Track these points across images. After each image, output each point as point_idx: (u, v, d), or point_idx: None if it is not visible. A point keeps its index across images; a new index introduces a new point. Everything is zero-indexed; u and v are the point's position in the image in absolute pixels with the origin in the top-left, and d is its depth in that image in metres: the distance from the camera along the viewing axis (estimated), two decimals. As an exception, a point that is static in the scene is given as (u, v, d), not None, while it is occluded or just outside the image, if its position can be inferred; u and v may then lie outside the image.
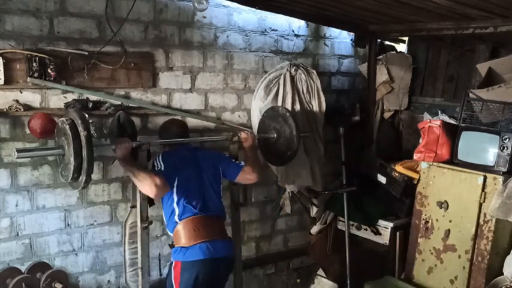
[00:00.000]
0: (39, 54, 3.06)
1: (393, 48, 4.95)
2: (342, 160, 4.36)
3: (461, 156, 3.61)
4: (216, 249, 3.02)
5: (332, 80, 4.67)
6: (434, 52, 4.67)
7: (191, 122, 3.73)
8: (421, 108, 4.68)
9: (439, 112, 4.37)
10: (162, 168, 3.00)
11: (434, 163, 3.75)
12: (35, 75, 3.07)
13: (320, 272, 4.59)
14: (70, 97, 3.25)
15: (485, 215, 3.45)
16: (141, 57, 3.50)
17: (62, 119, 2.76)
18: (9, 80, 3.03)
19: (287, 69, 4.01)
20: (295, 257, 4.62)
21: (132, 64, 3.45)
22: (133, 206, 3.26)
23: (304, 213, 4.55)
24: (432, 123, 3.78)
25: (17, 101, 3.07)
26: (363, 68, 4.71)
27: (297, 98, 4.00)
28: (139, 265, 3.18)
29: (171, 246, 3.16)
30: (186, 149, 3.29)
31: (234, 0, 3.77)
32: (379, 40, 4.73)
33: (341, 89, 4.74)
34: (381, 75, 4.64)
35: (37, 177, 3.26)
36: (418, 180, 3.89)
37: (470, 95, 3.79)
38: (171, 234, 3.14)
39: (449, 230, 3.64)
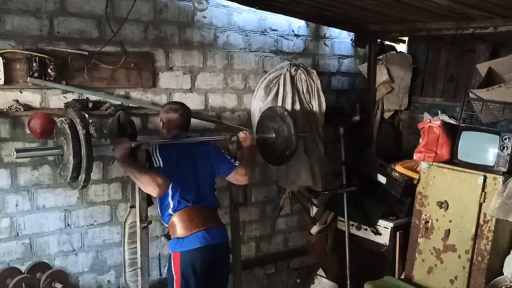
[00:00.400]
0: (39, 54, 3.06)
1: (393, 48, 4.95)
2: (342, 160, 4.36)
3: (461, 156, 3.61)
4: (212, 236, 3.09)
5: (332, 80, 4.67)
6: (434, 52, 4.67)
7: (191, 122, 3.72)
8: (421, 108, 4.68)
9: (439, 112, 4.37)
10: (161, 165, 2.98)
11: (434, 163, 3.75)
12: (35, 75, 3.07)
13: (320, 272, 4.60)
14: (70, 97, 3.25)
15: (485, 215, 3.45)
16: (141, 57, 3.50)
17: (61, 118, 2.76)
18: (9, 80, 3.04)
19: (287, 69, 4.01)
20: (295, 257, 4.62)
21: (132, 64, 3.45)
22: (133, 206, 3.26)
23: (304, 213, 4.55)
24: (432, 123, 3.77)
25: (17, 101, 3.08)
26: (363, 68, 4.71)
27: (297, 98, 4.01)
28: (139, 265, 3.18)
29: (168, 237, 3.19)
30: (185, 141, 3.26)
31: (234, 0, 3.78)
32: (379, 40, 4.73)
33: (341, 89, 4.74)
34: (381, 75, 4.64)
35: (37, 177, 3.26)
36: (418, 180, 3.89)
37: (470, 95, 3.79)
38: (166, 225, 3.17)
39: (449, 230, 3.64)
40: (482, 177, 3.46)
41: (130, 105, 3.46)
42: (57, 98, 3.24)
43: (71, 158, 2.64)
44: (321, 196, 4.42)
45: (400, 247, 4.07)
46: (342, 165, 4.37)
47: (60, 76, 3.16)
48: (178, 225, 3.06)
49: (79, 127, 2.65)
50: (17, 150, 2.69)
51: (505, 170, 3.38)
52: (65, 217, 3.39)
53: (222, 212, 3.44)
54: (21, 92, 3.12)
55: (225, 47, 3.92)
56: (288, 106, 3.91)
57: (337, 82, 4.71)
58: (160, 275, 3.78)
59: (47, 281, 3.15)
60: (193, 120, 3.73)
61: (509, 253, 3.47)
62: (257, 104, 3.98)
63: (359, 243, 4.30)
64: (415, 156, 3.85)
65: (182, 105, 3.29)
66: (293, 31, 4.28)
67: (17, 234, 3.24)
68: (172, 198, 3.06)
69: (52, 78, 3.12)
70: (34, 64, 3.06)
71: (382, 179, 4.15)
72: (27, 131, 3.10)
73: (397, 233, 4.08)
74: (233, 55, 3.98)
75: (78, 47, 3.25)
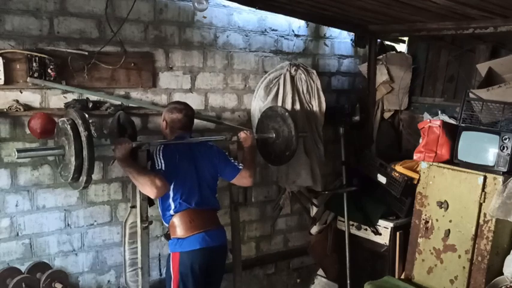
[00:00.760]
0: (39, 54, 3.06)
1: (393, 48, 4.95)
2: (342, 160, 4.36)
3: (461, 156, 3.61)
4: (212, 238, 3.11)
5: (332, 80, 4.67)
6: (434, 52, 4.67)
7: (191, 122, 3.73)
8: (421, 108, 4.68)
9: (439, 112, 4.37)
10: (163, 168, 2.98)
11: (434, 163, 3.75)
12: (35, 75, 3.07)
13: (320, 272, 4.60)
14: (70, 97, 3.25)
15: (485, 215, 3.45)
16: (141, 57, 3.50)
17: (63, 119, 2.76)
18: (9, 80, 3.03)
19: (287, 69, 4.01)
20: (295, 257, 4.62)
21: (132, 64, 3.45)
22: (133, 206, 3.26)
23: (304, 213, 4.55)
24: (432, 123, 3.77)
25: (17, 101, 3.07)
26: (363, 68, 4.71)
27: (297, 98, 4.01)
28: (139, 265, 3.19)
29: (167, 236, 3.18)
30: (186, 143, 3.25)
31: (234, 0, 3.77)
32: (379, 40, 4.73)
33: (341, 89, 4.74)
34: (381, 75, 4.64)
35: (37, 177, 3.26)
36: (418, 180, 3.89)
37: (470, 95, 3.78)
38: (166, 225, 3.18)
39: (449, 230, 3.64)
40: (482, 177, 3.46)
41: (131, 105, 3.46)
42: (57, 98, 3.24)
43: (73, 159, 2.64)
44: (321, 196, 4.42)
45: (400, 247, 4.07)
46: (342, 165, 4.37)
47: (60, 76, 3.16)
48: (179, 226, 3.07)
49: (81, 128, 2.65)
50: (18, 150, 2.69)
51: (505, 170, 3.38)
52: (65, 217, 3.39)
53: (222, 212, 3.45)
54: (21, 92, 3.12)
55: (225, 47, 3.92)
56: (288, 106, 3.91)
57: (337, 82, 4.71)
58: (161, 275, 3.78)
59: (47, 281, 3.15)
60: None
61: (509, 253, 3.47)
62: (257, 104, 3.98)
63: (359, 243, 4.30)
64: (415, 156, 3.86)
65: (186, 105, 3.28)
66: (293, 31, 4.28)
67: (17, 234, 3.24)
68: (174, 199, 3.06)
69: (52, 78, 3.12)
70: (34, 64, 3.06)
71: (382, 179, 4.14)
72: (27, 131, 3.10)
73: (397, 233, 4.08)
74: (233, 55, 3.98)
75: (78, 47, 3.25)
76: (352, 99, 4.71)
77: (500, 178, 3.39)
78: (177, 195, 3.06)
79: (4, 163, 3.14)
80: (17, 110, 3.06)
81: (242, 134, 3.41)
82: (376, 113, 4.74)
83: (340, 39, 4.66)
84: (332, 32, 4.56)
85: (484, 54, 4.23)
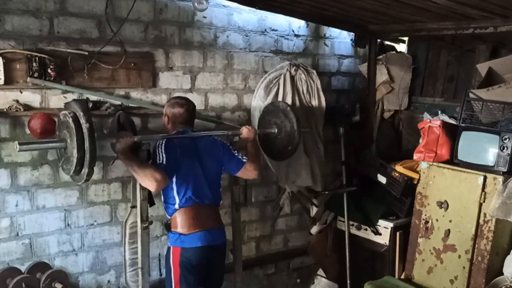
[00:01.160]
0: (39, 54, 3.06)
1: (393, 48, 4.95)
2: (342, 160, 4.36)
3: (461, 156, 3.61)
4: (213, 236, 3.14)
5: (332, 80, 4.67)
6: (434, 52, 4.67)
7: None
8: (421, 108, 4.68)
9: (439, 112, 4.37)
10: (164, 162, 2.96)
11: (434, 163, 3.75)
12: (35, 75, 3.07)
13: (320, 272, 4.60)
14: (70, 97, 3.25)
15: (485, 215, 3.45)
16: (141, 57, 3.50)
17: (64, 112, 2.74)
18: (9, 80, 3.03)
19: (287, 69, 4.01)
20: (295, 257, 4.62)
21: (132, 64, 3.45)
22: (134, 206, 3.26)
23: (304, 213, 4.55)
24: (432, 123, 3.78)
25: (17, 101, 3.07)
26: (363, 68, 4.71)
27: (297, 98, 4.01)
28: (140, 265, 3.19)
29: (167, 227, 3.19)
30: (189, 136, 3.24)
31: (234, 0, 3.77)
32: (379, 40, 4.73)
33: (341, 89, 4.74)
34: (381, 75, 4.64)
35: (37, 177, 3.26)
36: (418, 180, 3.89)
37: (470, 95, 3.79)
38: (168, 217, 3.18)
39: (449, 230, 3.64)
40: (482, 177, 3.46)
41: (131, 105, 3.46)
42: (57, 98, 3.24)
43: (75, 151, 2.62)
44: (321, 196, 4.41)
45: (400, 247, 4.07)
46: (342, 165, 4.37)
47: (60, 76, 3.16)
48: (181, 222, 3.09)
49: (82, 120, 2.63)
50: (20, 143, 2.66)
51: (505, 170, 3.38)
52: (65, 217, 3.39)
53: (222, 212, 3.45)
54: (21, 92, 3.12)
55: (225, 47, 3.92)
56: (288, 106, 3.90)
57: (337, 82, 4.71)
58: (161, 275, 3.78)
59: (47, 281, 3.15)
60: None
61: (509, 253, 3.47)
62: (257, 104, 3.98)
63: (359, 243, 4.30)
64: (415, 156, 3.86)
65: (188, 100, 3.28)
66: (293, 31, 4.28)
67: (17, 234, 3.24)
68: (178, 193, 3.07)
69: (52, 78, 3.12)
70: (34, 64, 3.05)
71: (382, 179, 4.14)
72: (27, 131, 3.10)
73: (397, 233, 4.08)
74: (233, 55, 3.98)
75: (78, 47, 3.24)
76: (352, 99, 4.71)
77: (500, 178, 3.39)
78: (181, 189, 3.06)
79: (4, 163, 3.14)
80: (17, 110, 3.05)
81: (244, 129, 3.39)
82: (376, 113, 4.74)
83: (340, 39, 4.66)
84: (332, 32, 4.56)
85: (484, 54, 4.23)
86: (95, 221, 3.51)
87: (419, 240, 3.84)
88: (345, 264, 4.27)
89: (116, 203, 3.57)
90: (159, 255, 3.78)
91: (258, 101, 3.98)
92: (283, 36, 4.23)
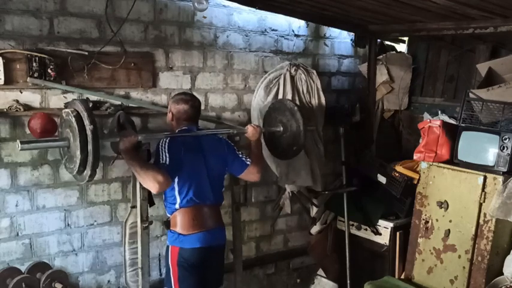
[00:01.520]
0: (39, 54, 3.06)
1: (393, 48, 4.95)
2: (342, 160, 4.36)
3: (461, 156, 3.61)
4: (213, 237, 3.12)
5: (332, 80, 4.67)
6: (434, 52, 4.67)
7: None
8: (421, 108, 4.68)
9: (439, 112, 4.37)
10: (167, 162, 2.92)
11: (434, 163, 3.75)
12: (35, 75, 3.07)
13: (320, 272, 4.59)
14: (70, 97, 3.25)
15: (485, 215, 3.45)
16: (141, 57, 3.50)
17: (67, 110, 2.68)
18: (9, 80, 3.03)
19: (287, 69, 4.01)
20: (295, 257, 4.62)
21: (132, 64, 3.45)
22: (134, 206, 3.26)
23: (304, 213, 4.55)
24: (432, 123, 3.77)
25: (17, 101, 3.08)
26: (363, 68, 4.71)
27: (297, 98, 4.01)
28: (140, 265, 3.18)
29: (167, 224, 3.14)
30: (193, 135, 3.18)
31: (234, 0, 3.78)
32: (379, 40, 4.73)
33: (341, 89, 4.74)
34: (381, 75, 4.64)
35: (37, 177, 3.26)
36: (418, 180, 3.89)
37: (470, 95, 3.79)
38: (168, 216, 3.15)
39: (449, 230, 3.64)
40: (482, 177, 3.46)
41: (131, 105, 3.46)
42: (57, 98, 3.24)
43: (78, 153, 2.59)
44: (321, 196, 4.41)
45: (400, 247, 4.07)
46: (342, 165, 4.37)
47: (60, 76, 3.16)
48: (182, 222, 3.05)
49: (86, 121, 2.58)
50: (22, 142, 2.59)
51: (505, 170, 3.38)
52: (65, 217, 3.39)
53: (222, 212, 3.42)
54: (21, 92, 3.12)
55: (225, 47, 3.92)
56: (288, 106, 3.90)
57: (337, 82, 4.71)
58: (161, 275, 3.78)
59: (47, 281, 3.15)
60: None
61: (509, 253, 3.47)
62: (257, 104, 3.98)
63: (359, 243, 4.30)
64: (415, 156, 3.86)
65: (193, 96, 3.23)
66: (293, 31, 4.28)
67: (17, 234, 3.24)
68: (180, 193, 3.03)
69: (52, 78, 3.12)
70: (34, 64, 3.05)
71: (382, 179, 4.15)
72: (27, 131, 3.10)
73: (397, 233, 4.07)
74: (233, 55, 3.98)
75: (78, 47, 3.25)
76: (352, 99, 4.71)
77: (500, 178, 3.39)
78: (183, 189, 3.02)
79: (4, 163, 3.14)
80: (17, 110, 3.05)
81: (250, 128, 3.33)
82: (376, 113, 4.74)
83: (340, 39, 4.66)
84: (332, 32, 4.56)
85: (484, 54, 4.23)
86: (95, 221, 3.51)
87: (419, 240, 3.84)
88: (345, 264, 4.27)
89: (116, 203, 3.57)
90: (159, 255, 3.78)
91: (258, 101, 3.98)
92: (283, 36, 4.23)
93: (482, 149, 3.51)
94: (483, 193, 3.45)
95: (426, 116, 4.44)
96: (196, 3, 3.43)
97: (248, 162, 3.24)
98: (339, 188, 4.43)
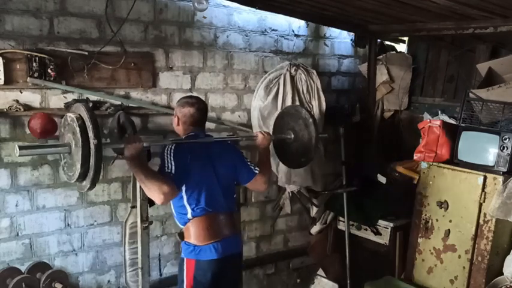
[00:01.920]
0: (39, 54, 3.06)
1: (393, 48, 4.95)
2: (342, 160, 4.36)
3: (461, 156, 3.61)
4: (228, 245, 2.95)
5: (332, 80, 4.67)
6: (434, 52, 4.67)
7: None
8: (421, 108, 4.69)
9: (439, 112, 4.37)
10: (173, 171, 2.74)
11: (434, 163, 3.75)
12: (35, 75, 3.07)
13: (320, 272, 4.60)
14: (70, 97, 3.25)
15: (485, 215, 3.45)
16: (141, 57, 3.50)
17: (71, 115, 2.50)
18: (9, 80, 3.03)
19: (287, 69, 4.01)
20: (295, 257, 4.62)
21: (132, 64, 3.45)
22: (134, 206, 3.26)
23: (304, 213, 4.55)
24: (432, 123, 3.78)
25: (17, 101, 3.07)
26: (363, 68, 4.71)
27: (297, 98, 4.01)
28: (140, 265, 3.19)
29: (181, 236, 2.99)
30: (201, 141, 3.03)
31: (234, 0, 3.77)
32: (379, 40, 4.73)
33: (341, 89, 4.74)
34: (381, 75, 4.64)
35: (37, 177, 3.26)
36: (418, 180, 3.89)
37: (470, 95, 3.79)
38: (181, 226, 2.99)
39: (449, 230, 3.65)
40: (482, 177, 3.46)
41: (131, 105, 3.46)
42: (57, 98, 3.24)
43: (79, 165, 2.45)
44: (321, 196, 4.42)
45: (400, 247, 4.07)
46: (342, 165, 4.37)
47: (60, 76, 3.15)
48: (195, 233, 2.90)
49: (91, 134, 2.41)
50: (21, 147, 2.44)
51: (505, 170, 3.38)
52: (65, 217, 3.39)
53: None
54: (21, 92, 3.12)
55: (225, 47, 3.92)
56: (288, 106, 3.89)
57: (337, 82, 4.71)
58: (161, 275, 3.78)
59: (47, 281, 3.15)
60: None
61: (509, 253, 3.47)
62: (257, 104, 3.98)
63: (359, 243, 4.30)
64: (415, 156, 3.86)
65: (199, 99, 3.06)
66: (293, 31, 4.28)
67: (17, 234, 3.24)
68: (189, 203, 2.87)
69: (52, 78, 3.12)
70: (34, 64, 3.05)
71: (382, 179, 4.15)
72: (27, 131, 3.10)
73: (397, 233, 4.08)
74: (233, 55, 3.98)
75: (78, 47, 3.24)
76: (352, 99, 4.71)
77: (500, 178, 3.39)
78: (193, 198, 2.86)
79: (4, 163, 3.14)
80: (17, 110, 3.05)
81: (260, 135, 3.16)
82: (376, 113, 4.74)
83: (340, 39, 4.66)
84: (332, 32, 4.56)
85: (484, 54, 4.23)
86: (95, 221, 3.51)
87: (419, 240, 3.85)
88: (345, 264, 4.27)
89: (116, 203, 3.57)
90: (159, 255, 3.78)
91: (258, 101, 3.98)
92: (283, 36, 4.23)
93: (482, 149, 3.51)
94: (483, 193, 3.46)
95: (426, 116, 4.44)
96: (196, 3, 3.43)
97: (256, 171, 3.06)
98: (339, 188, 4.43)
